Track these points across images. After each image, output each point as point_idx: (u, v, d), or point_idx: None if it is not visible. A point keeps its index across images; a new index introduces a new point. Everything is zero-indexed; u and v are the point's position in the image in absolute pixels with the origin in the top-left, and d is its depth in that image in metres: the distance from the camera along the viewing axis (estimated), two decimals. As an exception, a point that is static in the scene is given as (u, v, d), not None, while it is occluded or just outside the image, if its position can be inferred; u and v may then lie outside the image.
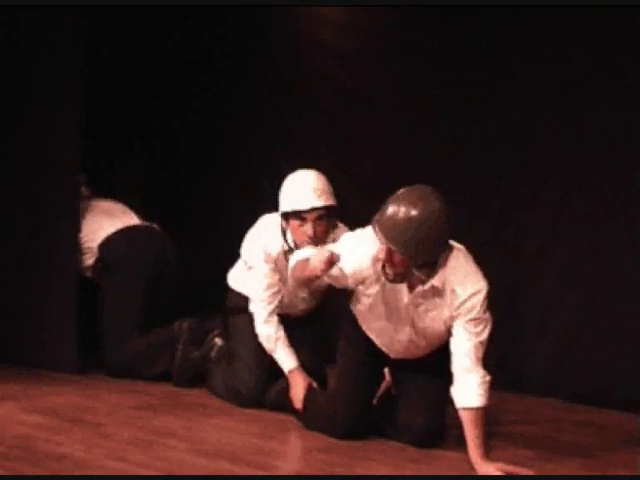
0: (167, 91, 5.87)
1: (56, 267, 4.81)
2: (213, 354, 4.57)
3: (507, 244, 4.81)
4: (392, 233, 3.28)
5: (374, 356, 3.73)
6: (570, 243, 4.64)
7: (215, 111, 5.73)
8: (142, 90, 5.86)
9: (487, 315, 3.45)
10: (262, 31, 5.56)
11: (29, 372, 4.69)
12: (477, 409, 3.38)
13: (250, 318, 4.21)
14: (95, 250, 4.84)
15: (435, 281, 3.41)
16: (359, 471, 3.44)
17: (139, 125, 5.92)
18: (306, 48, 5.41)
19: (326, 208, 3.94)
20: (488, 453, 3.40)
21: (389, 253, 3.33)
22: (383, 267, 3.40)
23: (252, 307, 4.17)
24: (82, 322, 4.82)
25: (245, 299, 4.26)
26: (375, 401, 3.91)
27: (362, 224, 4.39)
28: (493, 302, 4.74)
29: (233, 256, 4.39)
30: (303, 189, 3.94)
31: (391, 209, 3.30)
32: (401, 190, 3.35)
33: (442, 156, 4.97)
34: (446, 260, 3.41)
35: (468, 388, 3.38)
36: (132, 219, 4.97)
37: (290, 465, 3.46)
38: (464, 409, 3.39)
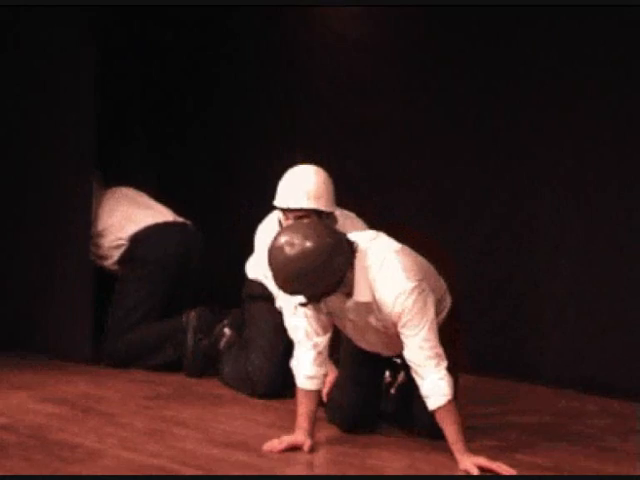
0: (176, 82, 5.84)
1: (71, 255, 4.83)
2: (222, 344, 4.57)
3: (520, 234, 4.79)
4: (291, 287, 3.31)
5: None
6: (584, 234, 4.61)
7: (226, 100, 5.71)
8: (151, 81, 5.84)
9: (423, 308, 3.32)
10: (272, 22, 5.53)
11: (42, 362, 4.71)
12: (437, 410, 3.33)
13: (266, 305, 4.20)
14: (125, 242, 4.83)
15: (359, 297, 3.37)
16: (370, 462, 3.44)
17: (150, 116, 5.91)
18: (317, 39, 5.37)
19: (306, 210, 3.84)
20: (467, 445, 3.33)
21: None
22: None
23: (278, 303, 4.14)
24: (95, 312, 4.84)
25: (262, 287, 4.26)
26: (393, 390, 3.91)
27: (367, 212, 4.38)
28: (508, 292, 4.78)
29: (247, 246, 4.39)
30: (287, 186, 3.89)
31: (278, 267, 3.28)
32: (271, 251, 3.31)
33: (448, 148, 4.95)
34: (356, 275, 3.35)
35: (425, 392, 3.34)
36: (165, 214, 4.95)
37: (301, 456, 3.46)
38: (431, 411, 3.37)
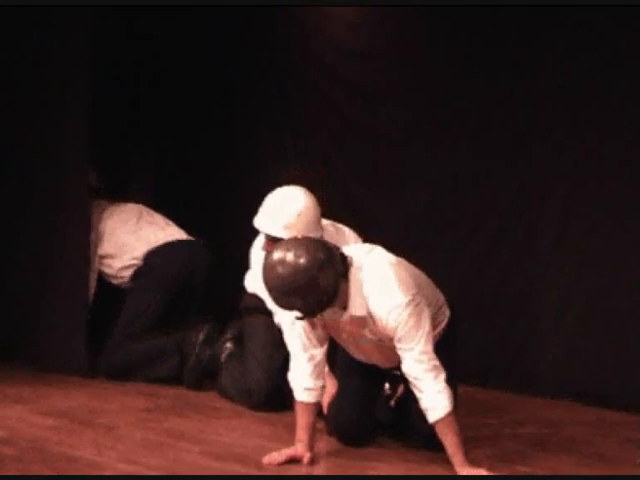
0: (177, 88, 5.86)
1: (67, 268, 4.83)
2: (224, 357, 4.58)
3: (517, 242, 4.80)
4: (285, 303, 3.32)
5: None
6: (582, 242, 4.62)
7: (226, 108, 5.73)
8: (151, 87, 5.86)
9: (418, 322, 3.34)
10: (273, 26, 5.54)
11: (40, 375, 4.71)
12: (437, 423, 3.35)
13: (264, 318, 4.21)
14: (138, 262, 4.87)
15: (354, 311, 3.38)
16: (370, 474, 3.44)
17: (150, 123, 5.92)
18: (315, 44, 5.37)
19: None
20: (466, 456, 3.35)
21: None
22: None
23: (276, 318, 4.15)
24: (94, 326, 4.85)
25: (259, 299, 4.27)
26: (392, 402, 3.92)
27: (368, 215, 4.33)
28: (504, 303, 4.79)
29: (245, 257, 4.39)
30: (266, 209, 3.94)
31: (271, 284, 3.30)
32: (264, 269, 3.33)
33: (449, 153, 4.96)
34: (351, 289, 3.36)
35: (424, 405, 3.36)
36: (180, 234, 4.98)
37: (300, 468, 3.46)
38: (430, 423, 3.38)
